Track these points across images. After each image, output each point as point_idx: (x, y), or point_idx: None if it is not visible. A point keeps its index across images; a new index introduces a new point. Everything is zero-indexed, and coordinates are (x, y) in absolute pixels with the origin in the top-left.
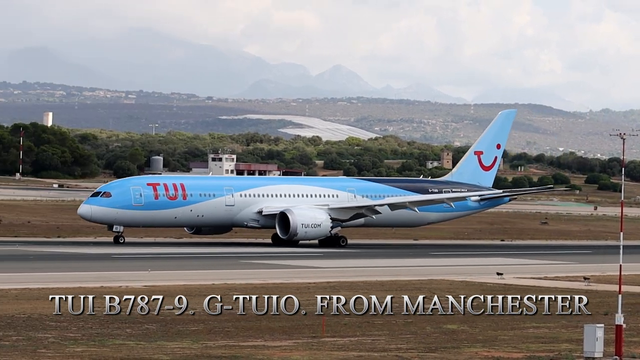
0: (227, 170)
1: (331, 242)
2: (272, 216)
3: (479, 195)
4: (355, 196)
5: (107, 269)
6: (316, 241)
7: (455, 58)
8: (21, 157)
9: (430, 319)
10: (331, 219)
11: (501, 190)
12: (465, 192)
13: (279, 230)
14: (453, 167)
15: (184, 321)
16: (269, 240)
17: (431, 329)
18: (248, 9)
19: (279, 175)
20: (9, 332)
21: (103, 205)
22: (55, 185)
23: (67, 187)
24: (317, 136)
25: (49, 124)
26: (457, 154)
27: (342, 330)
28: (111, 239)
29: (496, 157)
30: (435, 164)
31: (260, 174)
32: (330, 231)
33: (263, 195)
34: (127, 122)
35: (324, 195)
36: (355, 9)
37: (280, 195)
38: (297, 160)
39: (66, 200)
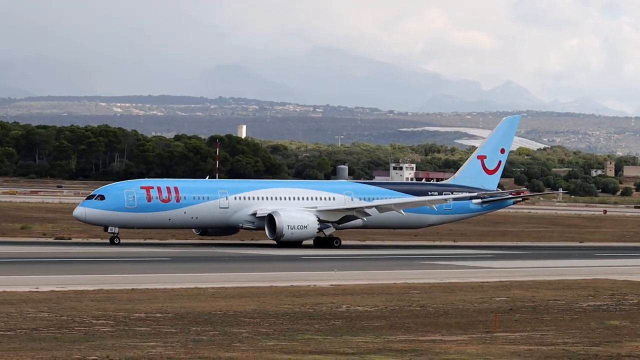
0: (407, 178)
1: (325, 243)
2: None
3: (459, 199)
4: (352, 199)
5: (296, 269)
6: (311, 242)
7: (618, 74)
8: (217, 166)
9: (595, 316)
10: (319, 220)
11: (475, 194)
12: (466, 194)
13: (267, 231)
14: (616, 175)
15: (368, 317)
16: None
17: (595, 324)
18: (427, 29)
19: None
20: (207, 327)
21: (96, 208)
22: None
23: None
24: None
25: (243, 135)
26: (619, 163)
27: (513, 326)
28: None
29: (500, 162)
30: (599, 172)
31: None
32: (323, 232)
33: (257, 198)
34: (314, 134)
35: (320, 198)
36: (525, 29)
37: (274, 198)
38: None
39: None
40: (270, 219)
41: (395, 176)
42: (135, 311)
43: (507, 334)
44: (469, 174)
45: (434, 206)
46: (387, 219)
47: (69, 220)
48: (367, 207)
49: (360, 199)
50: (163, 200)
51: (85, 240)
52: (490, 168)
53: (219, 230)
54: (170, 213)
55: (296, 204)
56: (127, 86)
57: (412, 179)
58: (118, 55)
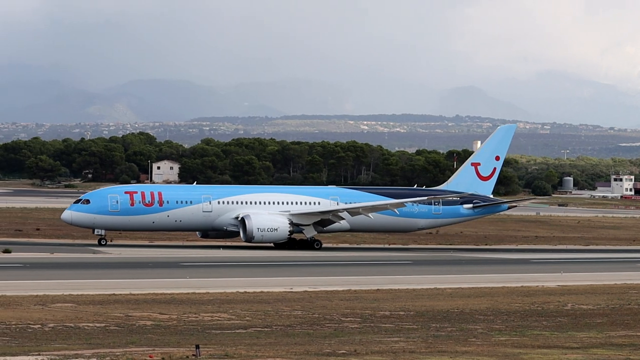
0: (626, 189)
1: (306, 245)
2: None
3: (418, 202)
4: (338, 203)
5: (525, 271)
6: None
7: None
8: None
9: None
10: (292, 223)
11: (425, 198)
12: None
13: (241, 234)
14: None
15: (591, 315)
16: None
17: None
18: None
19: None
20: (445, 324)
21: (82, 211)
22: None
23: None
24: None
25: None
26: None
27: None
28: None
29: (495, 168)
30: None
31: None
32: (304, 235)
33: (240, 203)
34: (542, 149)
35: (305, 203)
36: None
37: (256, 203)
38: None
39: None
40: (242, 221)
41: (615, 187)
42: (380, 309)
43: None
44: (462, 180)
45: (395, 210)
46: (376, 222)
47: None
48: (338, 210)
49: (345, 204)
50: (146, 205)
51: (334, 245)
52: (485, 175)
53: (222, 233)
54: (154, 216)
55: (273, 208)
56: (373, 106)
57: (631, 189)
58: (367, 77)
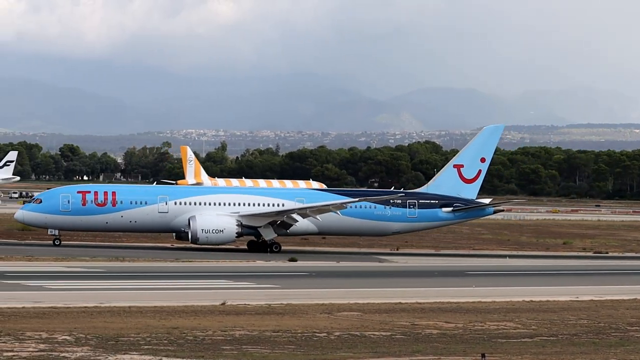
0: None
1: (264, 247)
2: None
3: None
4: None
5: None
6: (245, 245)
7: None
8: None
9: None
10: (242, 225)
11: (356, 199)
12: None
13: (189, 235)
14: None
15: None
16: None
17: None
18: None
19: None
20: None
21: (34, 211)
22: None
23: None
24: None
25: None
26: None
27: None
28: None
29: (480, 170)
30: None
31: None
32: (263, 237)
33: (197, 204)
34: None
35: (266, 204)
36: None
37: (213, 204)
38: None
39: None
40: (189, 223)
41: None
42: None
43: None
44: (444, 183)
45: (338, 212)
46: (345, 225)
47: (608, 236)
48: (289, 211)
49: (298, 204)
50: (98, 205)
51: (620, 254)
52: (469, 177)
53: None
54: (107, 217)
55: (227, 210)
56: None
57: None
58: None
